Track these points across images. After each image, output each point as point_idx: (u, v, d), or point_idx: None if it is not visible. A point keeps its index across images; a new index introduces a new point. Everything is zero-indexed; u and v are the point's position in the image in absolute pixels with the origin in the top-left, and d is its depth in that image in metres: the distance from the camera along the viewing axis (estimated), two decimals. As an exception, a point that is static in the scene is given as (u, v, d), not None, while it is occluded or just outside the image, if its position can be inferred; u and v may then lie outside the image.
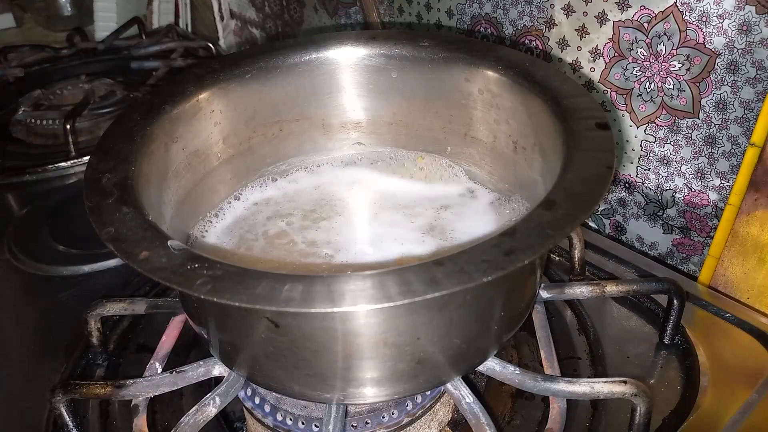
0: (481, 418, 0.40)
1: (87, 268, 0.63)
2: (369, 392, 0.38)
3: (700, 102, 0.55)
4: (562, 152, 0.40)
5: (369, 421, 0.42)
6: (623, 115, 0.61)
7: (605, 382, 0.40)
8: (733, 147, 0.54)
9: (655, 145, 0.59)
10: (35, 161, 0.82)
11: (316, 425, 0.42)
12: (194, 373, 0.44)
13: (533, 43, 0.66)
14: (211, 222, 0.52)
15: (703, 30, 0.52)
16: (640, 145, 0.60)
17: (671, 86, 0.56)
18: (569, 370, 0.49)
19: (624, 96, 0.60)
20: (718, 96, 0.53)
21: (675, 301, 0.49)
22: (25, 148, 0.88)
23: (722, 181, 0.56)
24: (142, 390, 0.43)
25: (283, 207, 0.54)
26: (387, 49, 0.54)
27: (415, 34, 0.60)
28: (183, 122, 0.48)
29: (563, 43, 0.63)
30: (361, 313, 0.34)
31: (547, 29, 0.64)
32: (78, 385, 0.43)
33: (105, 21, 1.23)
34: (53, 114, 0.89)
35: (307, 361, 0.36)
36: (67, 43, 1.14)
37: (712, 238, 0.58)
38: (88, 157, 0.42)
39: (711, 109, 0.54)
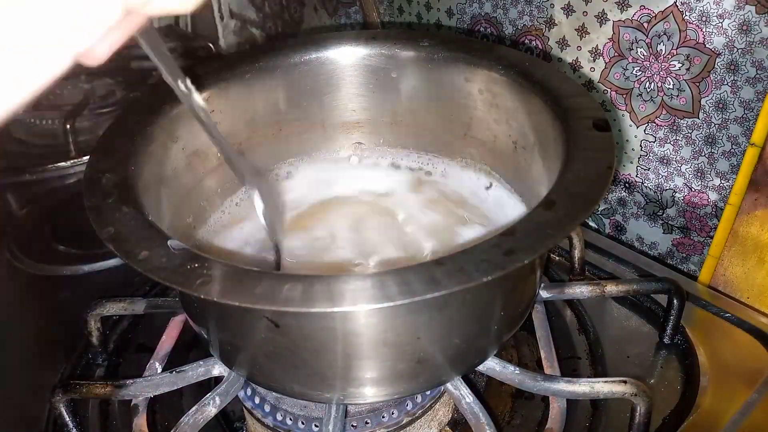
0: (481, 418, 0.40)
1: (87, 268, 0.63)
2: (369, 392, 0.38)
3: (700, 102, 0.55)
4: (562, 152, 0.40)
5: (369, 421, 0.42)
6: (623, 115, 0.61)
7: (605, 382, 0.40)
8: (733, 147, 0.54)
9: (655, 144, 0.59)
10: (35, 161, 0.82)
11: (316, 425, 0.42)
12: (194, 373, 0.44)
13: (533, 42, 0.66)
14: (212, 222, 0.52)
15: (703, 30, 0.52)
16: (640, 145, 0.60)
17: (671, 86, 0.56)
18: (569, 370, 0.49)
19: (624, 96, 0.60)
20: (718, 96, 0.53)
21: (675, 301, 0.49)
22: (25, 148, 0.88)
23: (722, 181, 0.56)
24: (141, 390, 0.43)
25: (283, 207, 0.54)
26: (387, 49, 0.54)
27: (415, 34, 0.60)
28: (183, 122, 0.48)
29: (563, 43, 0.63)
30: (361, 312, 0.34)
31: (547, 29, 0.64)
32: (78, 385, 0.43)
33: (105, 21, 1.23)
34: (53, 114, 0.89)
35: (307, 361, 0.36)
36: (67, 43, 1.14)
37: (712, 237, 0.58)
38: (88, 157, 0.42)
39: (711, 108, 0.54)
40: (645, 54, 0.57)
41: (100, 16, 0.20)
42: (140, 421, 0.44)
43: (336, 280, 0.30)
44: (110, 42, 0.22)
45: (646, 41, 0.56)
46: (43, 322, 0.58)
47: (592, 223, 0.69)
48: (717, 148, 0.55)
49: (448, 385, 0.41)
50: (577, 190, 0.35)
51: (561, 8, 0.61)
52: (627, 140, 0.61)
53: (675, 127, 0.57)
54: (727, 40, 0.51)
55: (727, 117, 0.53)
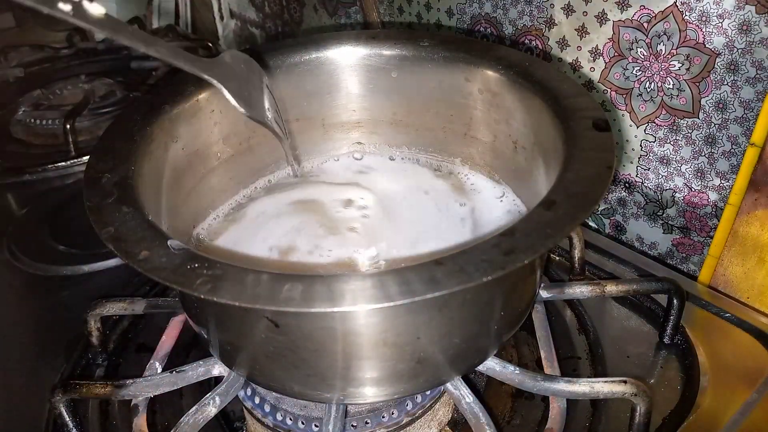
0: (481, 418, 0.40)
1: (87, 268, 0.63)
2: (369, 392, 0.38)
3: (700, 102, 0.55)
4: (562, 152, 0.40)
5: (369, 421, 0.42)
6: (623, 115, 0.61)
7: (605, 381, 0.40)
8: (733, 147, 0.54)
9: (655, 144, 0.59)
10: (35, 161, 0.82)
11: (316, 425, 0.42)
12: (194, 372, 0.44)
13: (533, 42, 0.66)
14: (212, 222, 0.52)
15: (703, 30, 0.52)
16: (640, 145, 0.60)
17: (671, 86, 0.56)
18: (569, 370, 0.49)
19: (624, 96, 0.60)
20: (718, 96, 0.53)
21: (675, 301, 0.49)
22: (25, 148, 0.88)
23: (722, 181, 0.56)
24: (141, 390, 0.43)
25: (283, 206, 0.54)
26: (387, 48, 0.54)
27: (415, 34, 0.60)
28: (183, 122, 0.48)
29: (563, 43, 0.63)
30: (361, 312, 0.34)
31: (547, 29, 0.64)
32: (78, 385, 0.43)
33: (105, 21, 1.23)
34: (53, 114, 0.89)
35: (307, 360, 0.36)
36: (67, 43, 1.14)
37: (712, 237, 0.58)
38: (88, 157, 0.42)
39: (711, 108, 0.54)
40: (645, 54, 0.57)
41: None
42: (140, 421, 0.44)
43: (336, 280, 0.30)
44: None
45: (646, 41, 0.56)
46: (43, 322, 0.58)
47: (592, 223, 0.69)
48: (717, 148, 0.55)
49: (448, 385, 0.41)
50: (577, 190, 0.35)
51: (561, 8, 0.61)
52: (627, 140, 0.61)
53: (675, 127, 0.57)
54: (727, 40, 0.51)
55: (727, 117, 0.53)
